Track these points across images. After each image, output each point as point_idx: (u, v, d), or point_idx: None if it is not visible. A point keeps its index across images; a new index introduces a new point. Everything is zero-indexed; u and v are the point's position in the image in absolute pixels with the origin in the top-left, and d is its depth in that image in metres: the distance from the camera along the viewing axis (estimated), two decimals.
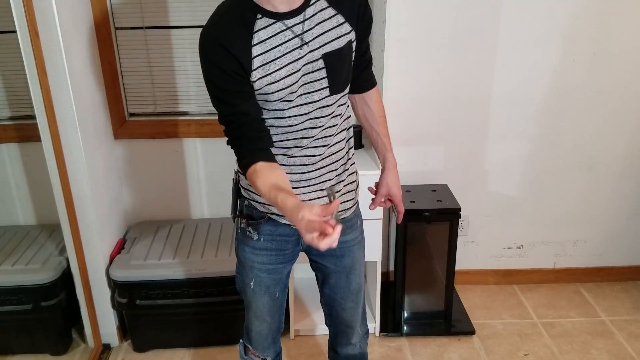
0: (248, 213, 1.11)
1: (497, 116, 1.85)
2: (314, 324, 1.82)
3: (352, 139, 1.12)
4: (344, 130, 1.08)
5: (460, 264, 1.96)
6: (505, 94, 1.82)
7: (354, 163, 1.15)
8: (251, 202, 1.10)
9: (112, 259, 1.69)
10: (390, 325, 1.83)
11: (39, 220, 1.86)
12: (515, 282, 2.07)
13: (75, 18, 1.52)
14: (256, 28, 0.93)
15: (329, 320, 1.27)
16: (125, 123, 1.84)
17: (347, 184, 1.11)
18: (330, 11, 0.97)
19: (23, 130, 1.76)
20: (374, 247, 1.66)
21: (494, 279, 2.07)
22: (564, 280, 2.07)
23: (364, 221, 1.22)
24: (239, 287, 1.19)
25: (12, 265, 1.64)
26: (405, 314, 1.86)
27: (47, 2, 1.38)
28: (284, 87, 0.95)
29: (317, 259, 1.18)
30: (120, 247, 1.75)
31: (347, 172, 1.10)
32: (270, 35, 0.93)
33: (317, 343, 1.78)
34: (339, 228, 0.79)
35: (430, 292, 1.85)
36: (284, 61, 0.94)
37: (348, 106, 1.09)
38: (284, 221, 1.09)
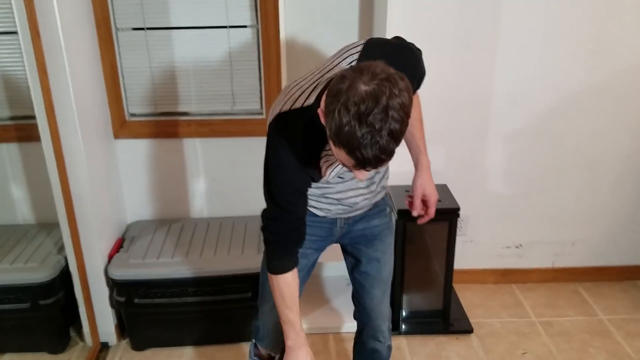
0: None
1: (497, 116, 1.86)
2: (313, 322, 1.82)
3: None
4: None
5: (459, 264, 1.96)
6: (505, 95, 1.83)
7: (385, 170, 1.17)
8: None
9: (110, 257, 1.69)
10: None
11: (38, 219, 1.86)
12: (514, 281, 2.07)
13: (76, 18, 1.53)
14: (327, 147, 0.94)
15: (357, 313, 1.27)
16: (125, 123, 1.85)
17: (379, 181, 1.14)
18: None
19: (23, 130, 1.77)
20: None
21: (492, 278, 2.07)
22: (563, 280, 2.07)
23: None
24: (263, 279, 1.18)
25: (11, 264, 1.64)
26: (404, 313, 1.86)
27: (48, 2, 1.39)
28: (337, 175, 1.01)
29: (349, 242, 1.19)
30: (119, 246, 1.75)
31: (379, 175, 1.13)
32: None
33: (317, 342, 1.77)
34: None
35: (429, 291, 1.85)
36: (340, 165, 0.97)
37: None
38: (321, 214, 1.12)
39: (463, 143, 1.89)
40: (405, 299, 1.84)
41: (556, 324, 1.85)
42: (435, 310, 1.85)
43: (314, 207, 1.13)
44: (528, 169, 1.93)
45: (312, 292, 1.94)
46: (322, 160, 0.97)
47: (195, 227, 1.85)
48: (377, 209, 1.18)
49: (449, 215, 1.72)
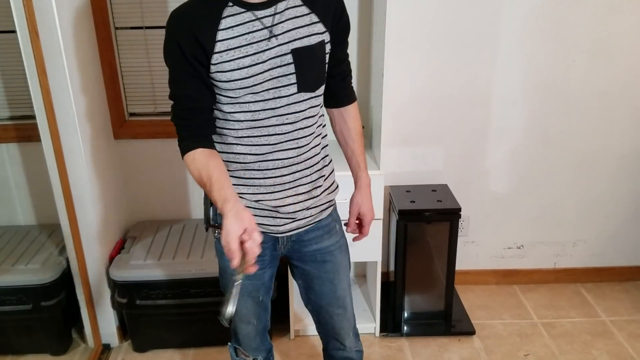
0: (221, 222, 1.07)
1: (497, 116, 1.85)
2: (314, 324, 1.81)
3: (328, 146, 1.12)
4: (318, 135, 1.07)
5: (461, 264, 1.95)
6: (505, 94, 1.82)
7: (332, 170, 1.14)
8: None
9: (112, 259, 1.69)
10: (391, 326, 1.83)
11: (39, 220, 1.86)
12: (516, 282, 2.06)
13: (75, 18, 1.52)
14: (225, 14, 0.93)
15: (319, 328, 1.25)
16: (125, 123, 1.83)
17: (324, 190, 1.10)
18: (304, 9, 0.97)
19: (23, 130, 1.76)
20: (374, 247, 1.66)
21: (494, 279, 2.07)
22: (564, 281, 2.07)
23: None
24: (223, 291, 1.18)
25: (12, 265, 1.64)
26: (406, 314, 1.86)
27: (47, 2, 1.38)
28: (247, 75, 0.94)
29: (298, 264, 1.15)
30: (120, 247, 1.75)
31: (323, 178, 1.09)
32: (238, 23, 0.93)
33: (317, 343, 1.77)
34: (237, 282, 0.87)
35: (430, 292, 1.85)
36: (249, 50, 0.94)
37: (322, 115, 1.08)
38: (259, 229, 1.05)
39: (463, 143, 1.88)
40: (406, 300, 1.84)
41: (558, 325, 1.85)
42: (436, 311, 1.85)
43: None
44: (528, 169, 1.92)
45: None
46: (220, 39, 0.92)
47: (196, 227, 1.85)
48: (325, 228, 1.12)
49: (450, 215, 1.72)
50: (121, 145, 1.82)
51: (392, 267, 1.96)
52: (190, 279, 1.63)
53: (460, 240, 1.86)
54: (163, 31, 1.74)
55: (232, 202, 0.90)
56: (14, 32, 1.39)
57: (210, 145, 1.00)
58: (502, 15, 1.72)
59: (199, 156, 0.97)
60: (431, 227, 1.77)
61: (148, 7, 1.71)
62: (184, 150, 0.99)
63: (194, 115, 0.98)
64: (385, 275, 2.01)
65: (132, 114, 1.86)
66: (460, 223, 1.81)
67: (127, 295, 1.63)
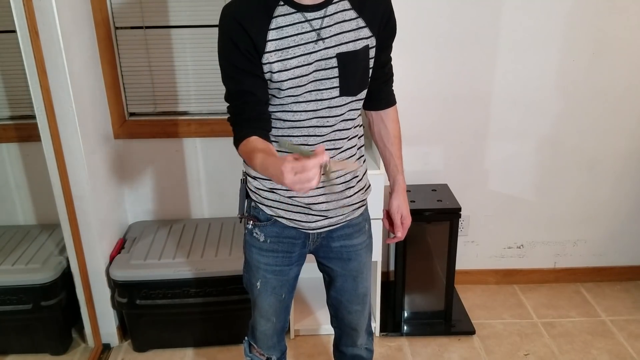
0: (255, 214, 1.11)
1: (498, 116, 1.85)
2: (314, 324, 1.82)
3: (363, 147, 1.13)
4: (355, 136, 1.08)
5: (461, 264, 1.96)
6: (506, 94, 1.82)
7: (366, 171, 1.16)
8: (258, 204, 1.10)
9: (112, 258, 1.69)
10: (391, 325, 1.83)
11: (39, 219, 1.86)
12: (516, 282, 2.07)
13: (75, 17, 1.52)
14: (276, 14, 0.94)
15: (335, 322, 1.27)
16: (125, 123, 1.84)
17: (357, 190, 1.12)
18: (352, 13, 0.98)
19: (23, 130, 1.76)
20: (374, 247, 1.66)
21: (494, 279, 2.07)
22: (564, 280, 2.07)
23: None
24: (246, 285, 1.20)
25: (12, 265, 1.64)
26: (406, 314, 1.86)
27: (47, 1, 1.38)
28: (293, 76, 0.95)
29: (324, 262, 1.18)
30: (120, 246, 1.75)
31: (356, 179, 1.11)
32: (288, 23, 0.94)
33: (318, 343, 1.78)
34: (310, 163, 0.74)
35: (430, 292, 1.85)
36: (297, 51, 0.95)
37: (360, 115, 1.10)
38: (291, 224, 1.09)
39: (463, 142, 1.88)
40: (406, 300, 1.84)
41: (558, 325, 1.85)
42: (436, 311, 1.85)
43: (283, 217, 1.08)
44: (528, 169, 1.92)
45: (313, 293, 1.94)
46: (271, 39, 0.93)
47: (196, 227, 1.85)
48: (355, 227, 1.14)
49: (450, 215, 1.72)
50: (121, 145, 1.82)
51: (392, 267, 1.96)
52: (190, 279, 1.63)
53: (460, 240, 1.86)
54: (163, 31, 1.77)
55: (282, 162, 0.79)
56: (14, 32, 1.39)
57: (264, 137, 0.96)
58: (502, 16, 1.72)
59: (252, 140, 0.93)
60: (431, 226, 1.77)
61: (148, 7, 1.71)
62: (239, 140, 0.95)
63: (250, 110, 0.97)
64: (385, 275, 2.01)
65: (132, 114, 1.86)
66: (460, 223, 1.81)
67: (127, 295, 1.63)
